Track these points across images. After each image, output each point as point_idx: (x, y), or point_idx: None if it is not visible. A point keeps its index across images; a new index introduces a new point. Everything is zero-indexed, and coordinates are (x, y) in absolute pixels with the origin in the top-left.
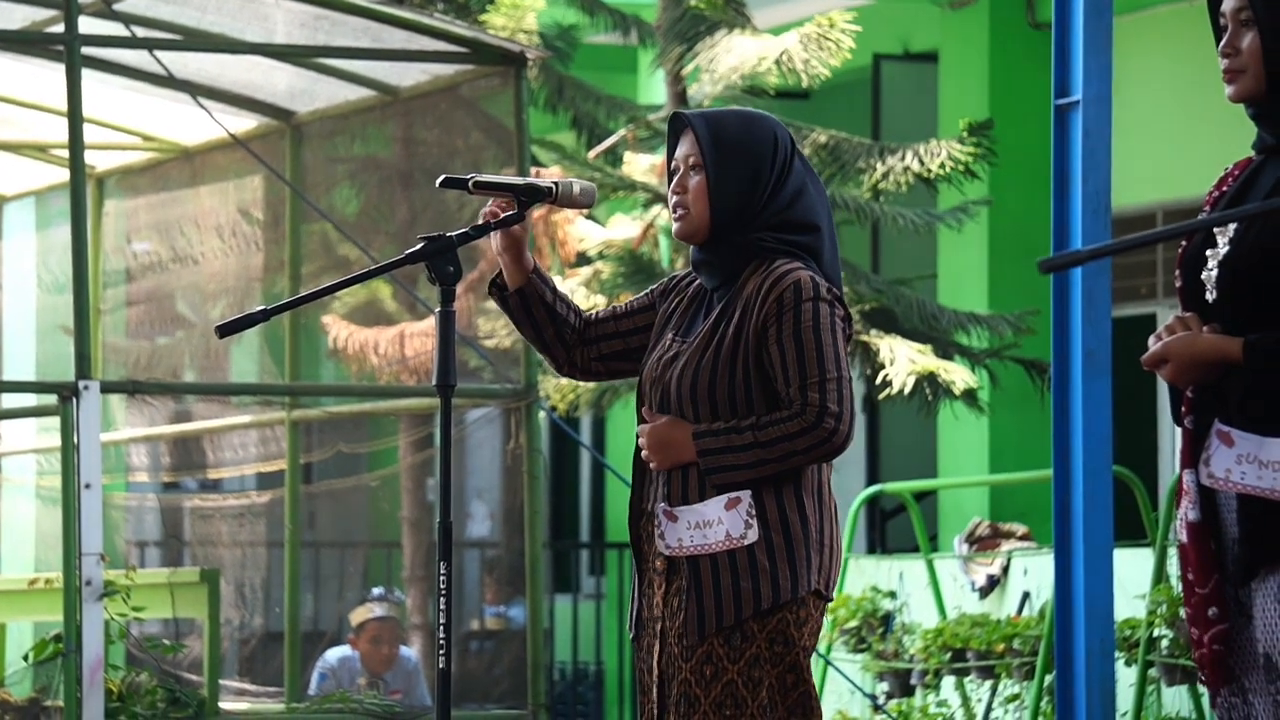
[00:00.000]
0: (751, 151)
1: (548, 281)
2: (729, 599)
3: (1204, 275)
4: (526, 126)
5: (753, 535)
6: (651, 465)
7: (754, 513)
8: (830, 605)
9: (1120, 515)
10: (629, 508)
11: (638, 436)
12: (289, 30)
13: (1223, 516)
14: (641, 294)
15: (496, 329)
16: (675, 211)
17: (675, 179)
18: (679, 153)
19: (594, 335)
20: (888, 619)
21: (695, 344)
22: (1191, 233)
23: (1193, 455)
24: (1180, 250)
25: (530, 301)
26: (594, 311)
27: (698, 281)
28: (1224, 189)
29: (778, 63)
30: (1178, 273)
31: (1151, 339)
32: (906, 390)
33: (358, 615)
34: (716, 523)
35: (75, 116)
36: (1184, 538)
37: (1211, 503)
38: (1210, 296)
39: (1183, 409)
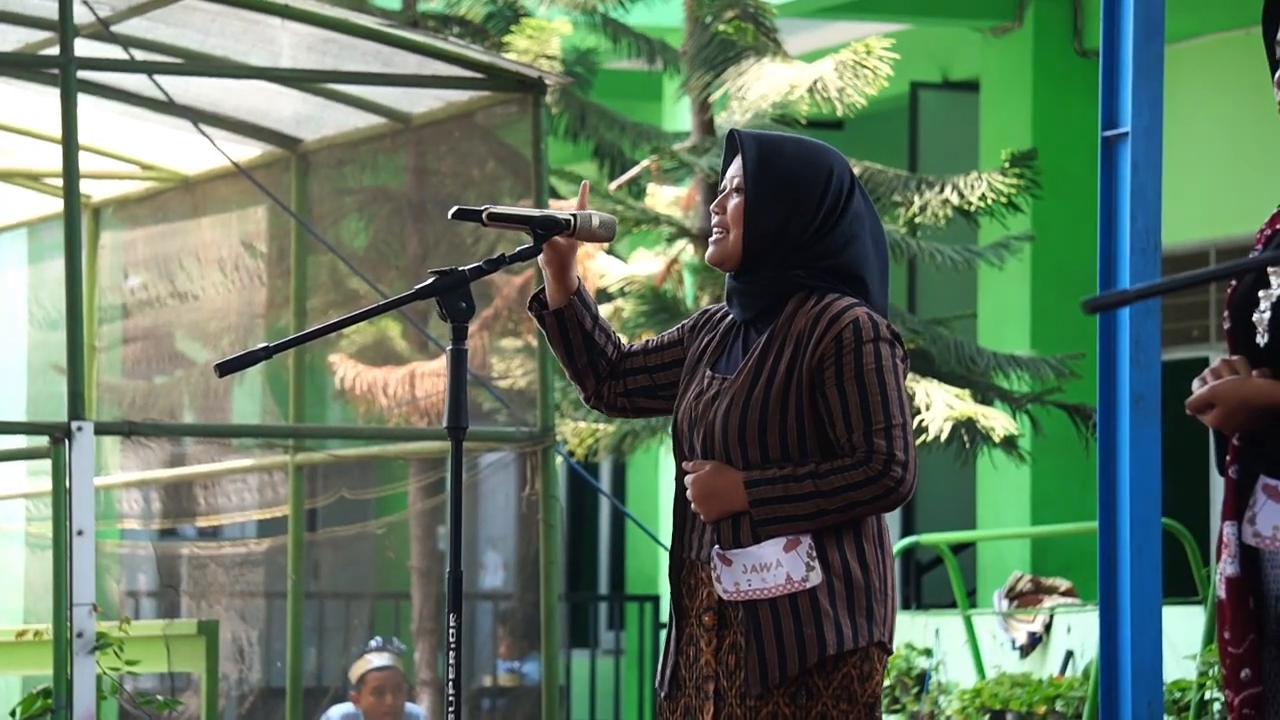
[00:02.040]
0: (799, 180)
1: (590, 306)
2: (792, 646)
3: (1255, 317)
4: (545, 156)
5: (815, 578)
6: (701, 517)
7: (815, 554)
8: None
9: (1169, 570)
10: (670, 556)
11: (678, 481)
12: (295, 54)
13: (1265, 573)
14: (672, 329)
15: (511, 369)
16: (714, 232)
17: (718, 199)
18: (728, 173)
19: (623, 369)
20: (923, 678)
21: (740, 382)
22: (1244, 272)
23: (1236, 507)
24: (1230, 291)
25: (568, 325)
26: (631, 344)
27: (731, 315)
28: (1277, 227)
29: (811, 91)
30: (1226, 314)
31: (1196, 382)
32: (943, 437)
33: (357, 669)
34: (775, 565)
35: (70, 143)
36: (1222, 594)
37: (1253, 558)
38: (1261, 340)
39: (1228, 458)
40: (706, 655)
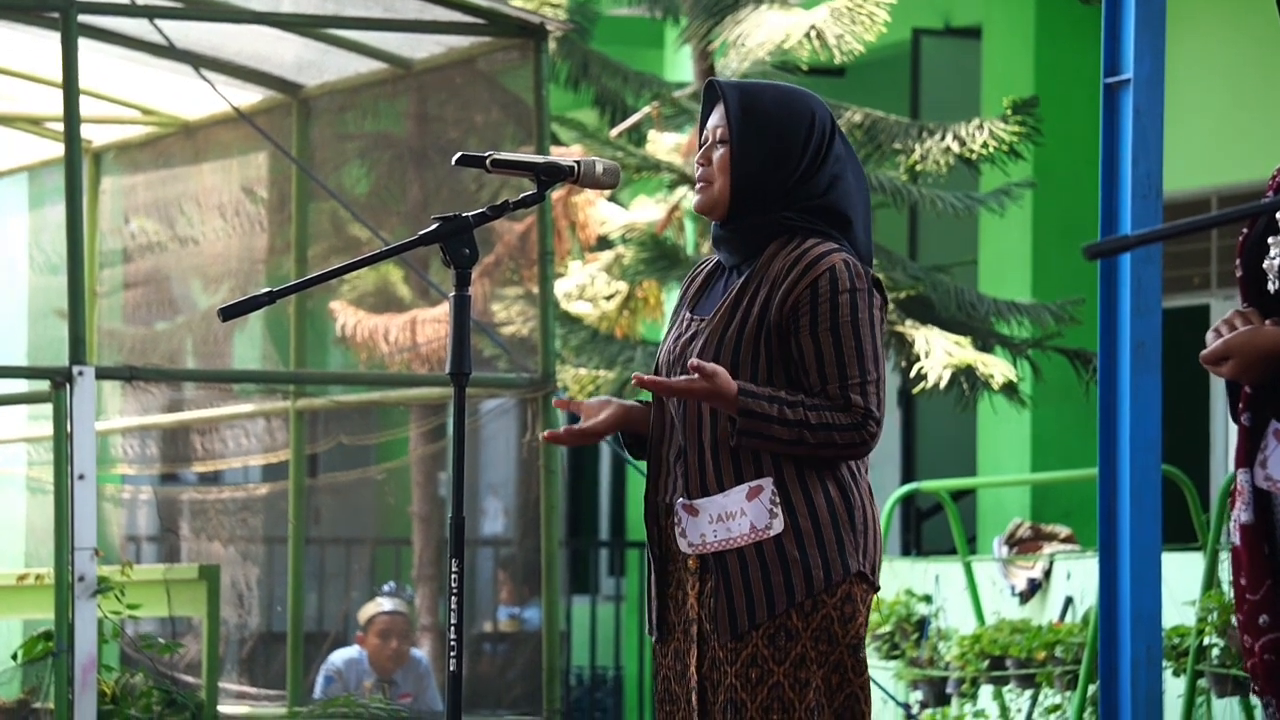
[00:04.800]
0: (782, 127)
1: (647, 404)
2: (760, 594)
3: (1266, 264)
4: (547, 102)
5: (778, 525)
6: (675, 386)
7: (778, 501)
8: None
9: (1169, 517)
10: (645, 501)
11: (654, 425)
12: None
13: (1278, 517)
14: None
15: (513, 315)
16: (698, 183)
17: (702, 150)
18: (710, 123)
19: None
20: (923, 624)
21: (715, 323)
22: (1251, 218)
23: (1248, 454)
24: (1241, 238)
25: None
26: None
27: (716, 260)
28: None
29: (808, 37)
30: (1238, 261)
31: (1210, 334)
32: (942, 384)
33: (366, 611)
34: (739, 514)
35: (71, 88)
36: (1236, 541)
37: (1266, 504)
38: (1273, 286)
39: (1240, 405)
40: (690, 600)
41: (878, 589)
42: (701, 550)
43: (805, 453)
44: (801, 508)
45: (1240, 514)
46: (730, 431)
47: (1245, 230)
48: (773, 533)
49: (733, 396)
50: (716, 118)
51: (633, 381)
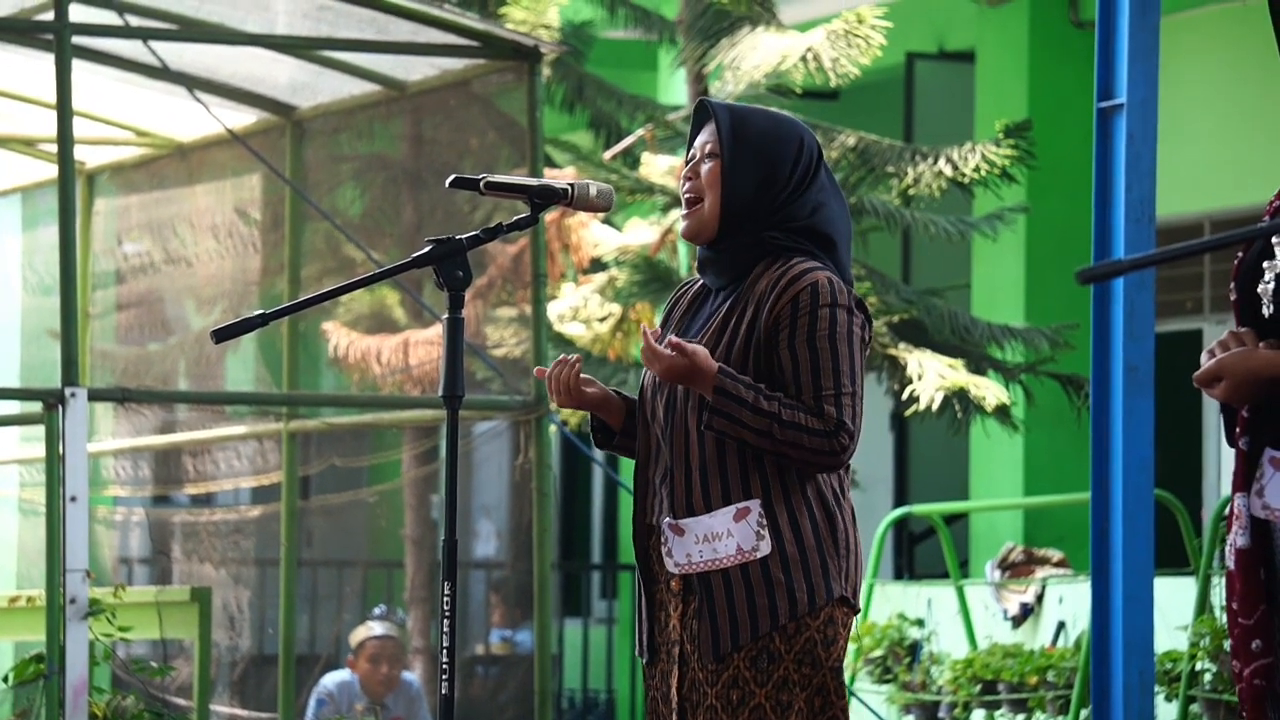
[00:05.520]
0: (773, 147)
1: (628, 398)
2: (744, 616)
3: (1260, 288)
4: (541, 125)
5: (765, 547)
6: (659, 353)
7: (765, 523)
8: (854, 634)
9: (1161, 541)
10: (633, 523)
11: (640, 447)
12: (291, 21)
13: (1275, 543)
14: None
15: (505, 338)
16: (685, 201)
17: (690, 165)
18: (698, 140)
19: None
20: (915, 648)
21: (706, 340)
22: (1247, 243)
23: (1246, 479)
24: (1236, 262)
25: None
26: None
27: (699, 283)
28: None
29: (804, 60)
30: (1232, 285)
31: (1204, 355)
32: (935, 407)
33: (357, 635)
34: (726, 535)
35: (64, 109)
36: (1232, 565)
37: (1264, 530)
38: (1267, 311)
39: (1236, 430)
40: (674, 621)
41: (858, 611)
42: (687, 570)
43: (772, 448)
44: (787, 531)
45: (1236, 538)
46: (701, 410)
47: (1240, 254)
48: (759, 555)
49: (711, 375)
50: (706, 134)
51: (641, 334)
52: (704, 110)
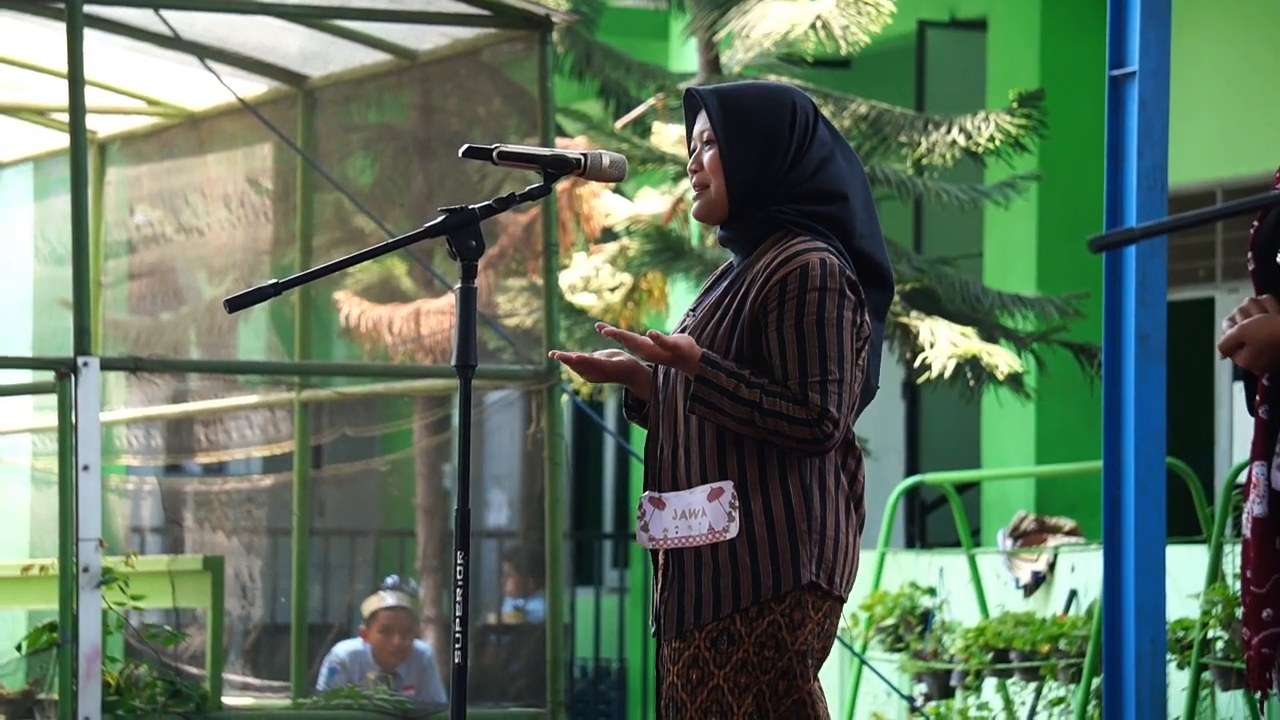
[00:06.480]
0: (766, 120)
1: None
2: (708, 596)
3: (1279, 257)
4: (551, 94)
5: (733, 530)
6: (638, 341)
7: (736, 505)
8: (866, 603)
9: (1173, 510)
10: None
11: (651, 420)
12: None
13: None
14: None
15: (517, 308)
16: (695, 190)
17: (692, 156)
18: (695, 130)
19: None
20: (927, 617)
21: (700, 319)
22: (1263, 211)
23: (1266, 448)
24: (1253, 230)
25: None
26: None
27: (730, 261)
28: None
29: (813, 28)
30: (1250, 254)
31: (1225, 323)
32: (947, 375)
33: (369, 605)
34: (701, 514)
35: (76, 79)
36: (1247, 533)
37: None
38: None
39: (1257, 398)
40: (657, 595)
41: (842, 599)
42: (662, 545)
43: (755, 434)
44: (759, 514)
45: (1254, 506)
46: (687, 390)
47: (1256, 223)
48: (728, 536)
49: (694, 363)
50: (701, 123)
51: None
52: (693, 99)
